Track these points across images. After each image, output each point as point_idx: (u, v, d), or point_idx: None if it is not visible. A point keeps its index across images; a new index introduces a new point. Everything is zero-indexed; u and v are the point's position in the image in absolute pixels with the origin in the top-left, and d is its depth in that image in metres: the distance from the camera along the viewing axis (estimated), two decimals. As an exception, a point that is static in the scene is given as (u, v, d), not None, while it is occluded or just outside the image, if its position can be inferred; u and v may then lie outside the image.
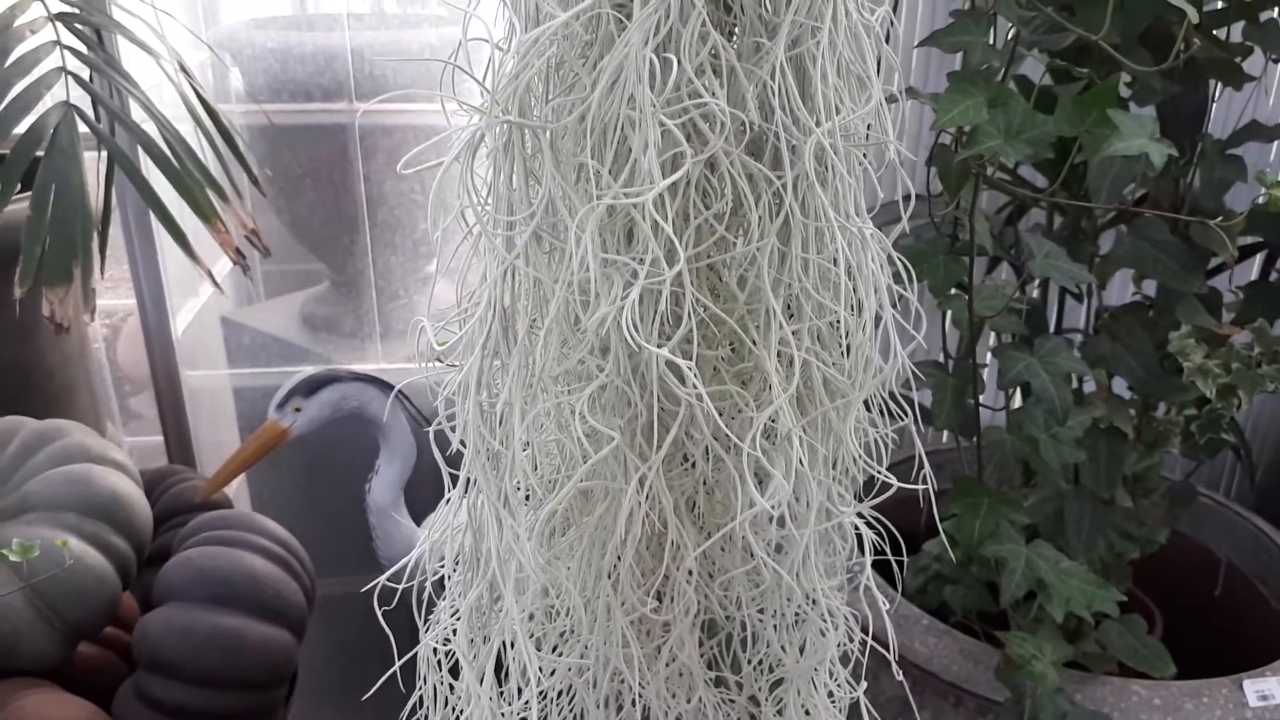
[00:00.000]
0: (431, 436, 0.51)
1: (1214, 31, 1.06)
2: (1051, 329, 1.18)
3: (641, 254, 0.44)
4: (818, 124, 0.45)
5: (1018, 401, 1.12)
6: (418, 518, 1.42)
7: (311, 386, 1.30)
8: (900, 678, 0.63)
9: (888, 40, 0.52)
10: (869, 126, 0.51)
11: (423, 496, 1.45)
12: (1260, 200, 0.90)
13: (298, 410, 1.30)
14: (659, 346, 0.44)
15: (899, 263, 0.54)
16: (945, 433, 1.22)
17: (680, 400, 0.48)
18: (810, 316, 0.49)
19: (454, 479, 0.52)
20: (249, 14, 1.62)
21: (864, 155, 0.51)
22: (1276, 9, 0.92)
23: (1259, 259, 1.27)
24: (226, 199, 1.28)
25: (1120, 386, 1.17)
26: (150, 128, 1.25)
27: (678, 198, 0.46)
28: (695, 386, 0.45)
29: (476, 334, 0.47)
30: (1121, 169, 0.89)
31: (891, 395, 0.58)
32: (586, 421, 0.46)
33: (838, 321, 0.50)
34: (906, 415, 0.58)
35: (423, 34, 1.49)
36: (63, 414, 1.37)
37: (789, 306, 0.50)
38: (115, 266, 1.53)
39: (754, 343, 0.49)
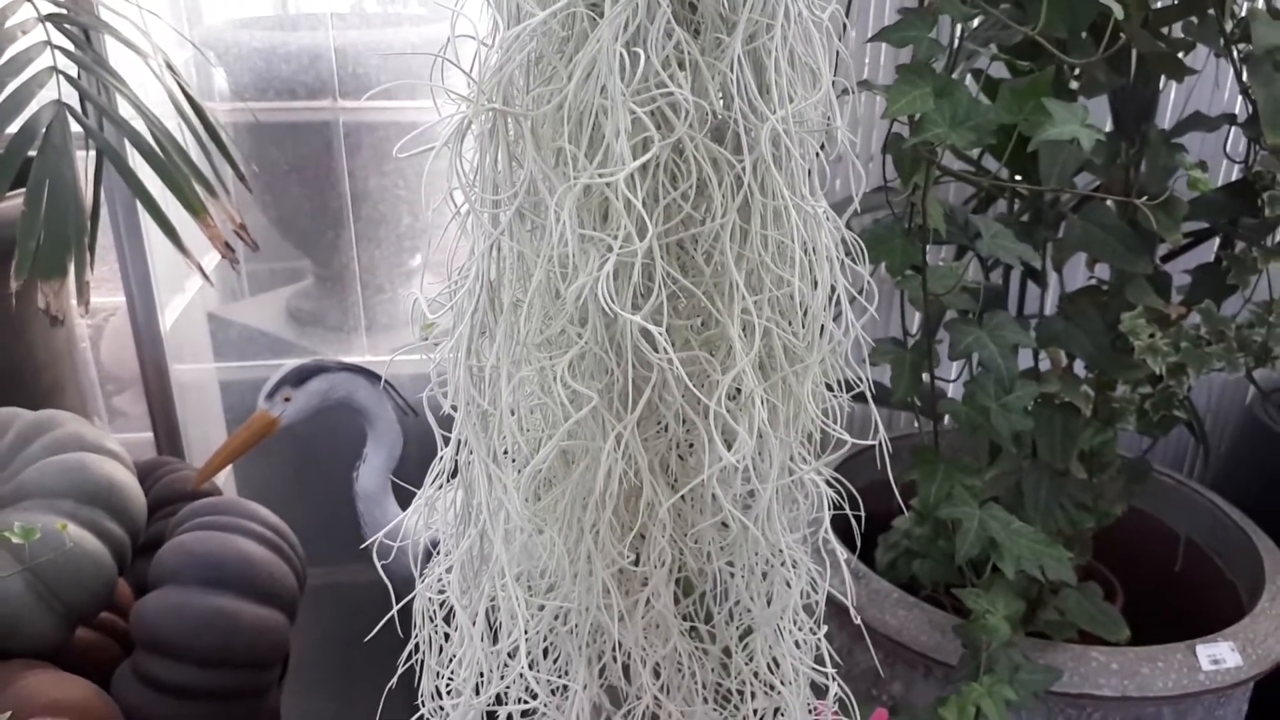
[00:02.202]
0: (424, 401, 0.55)
1: (1162, 27, 1.11)
2: (1012, 313, 1.23)
3: (615, 230, 0.48)
4: (773, 112, 0.50)
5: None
6: (404, 505, 1.45)
7: (300, 376, 1.34)
8: (859, 621, 0.67)
9: (841, 37, 0.56)
10: (826, 118, 0.56)
11: (409, 484, 1.49)
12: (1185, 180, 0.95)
13: (287, 400, 1.34)
14: (633, 315, 0.49)
15: (851, 242, 0.58)
16: (913, 420, 1.27)
17: (653, 365, 0.53)
18: (770, 288, 0.54)
19: (445, 440, 0.56)
20: (232, 14, 1.66)
21: (821, 143, 0.56)
22: (1213, 8, 0.98)
23: (1216, 244, 1.32)
24: (215, 194, 1.32)
25: (1081, 368, 1.22)
26: (139, 125, 1.29)
27: (647, 179, 0.50)
28: (666, 351, 0.49)
29: (466, 304, 0.51)
30: (1069, 156, 0.94)
31: (853, 380, 0.63)
32: (568, 386, 0.50)
33: (795, 293, 0.55)
34: (861, 385, 0.63)
35: (404, 32, 1.53)
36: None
37: (750, 279, 0.54)
38: (99, 265, 1.56)
39: (719, 312, 0.54)
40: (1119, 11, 0.70)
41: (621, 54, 0.46)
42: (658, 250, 0.50)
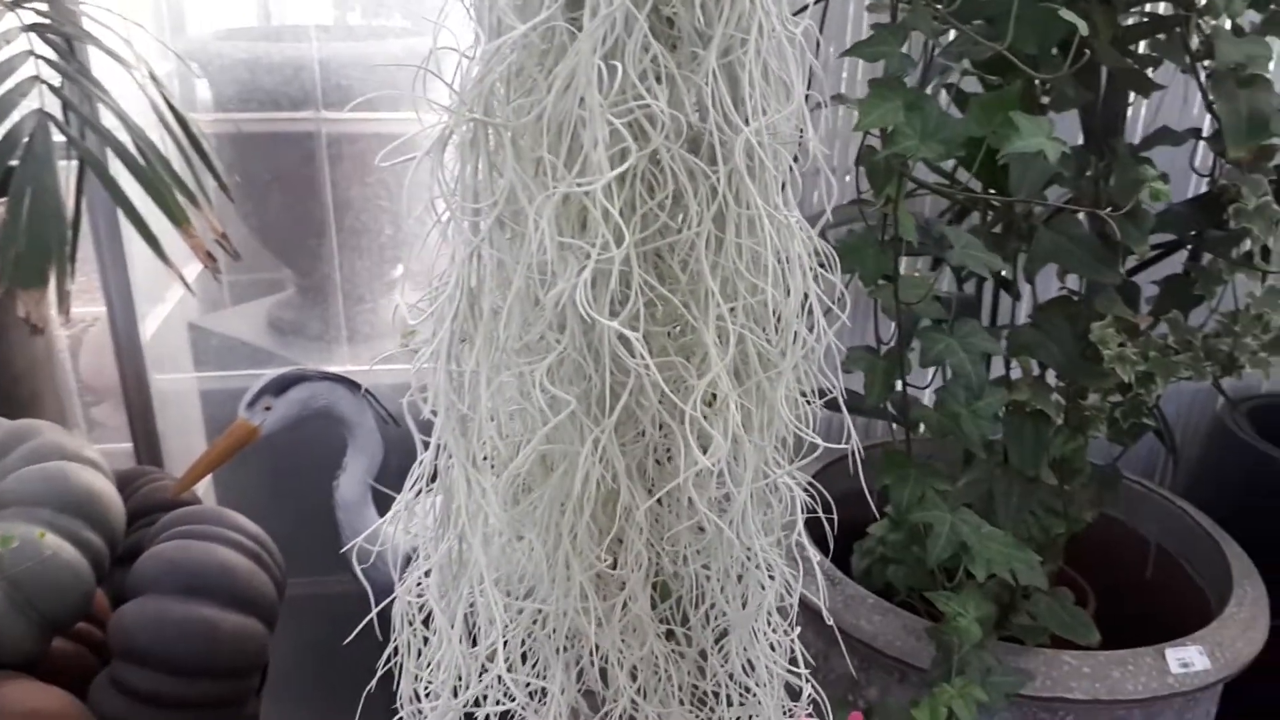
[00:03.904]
0: (405, 407, 0.56)
1: (1130, 45, 1.14)
2: (985, 322, 1.25)
3: (593, 239, 0.50)
4: (747, 124, 0.51)
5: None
6: (385, 513, 1.46)
7: (281, 385, 1.34)
8: (832, 622, 0.69)
9: (817, 52, 0.58)
10: (799, 130, 0.58)
11: (388, 494, 1.49)
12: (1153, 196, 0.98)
13: (268, 409, 1.34)
14: (610, 321, 0.50)
15: (823, 252, 0.60)
16: (889, 429, 1.28)
17: (630, 371, 0.54)
18: (744, 296, 0.55)
19: (426, 446, 0.57)
20: (216, 26, 1.67)
21: (795, 155, 0.57)
22: (1179, 26, 1.00)
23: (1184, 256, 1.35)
24: (197, 204, 1.33)
25: (1053, 377, 1.24)
26: (122, 135, 1.29)
27: (625, 189, 0.51)
28: (643, 357, 0.50)
29: (446, 310, 0.52)
30: (1038, 169, 0.97)
31: (826, 387, 0.64)
32: (547, 391, 0.52)
33: (769, 300, 0.56)
34: (834, 391, 0.64)
35: (388, 45, 1.54)
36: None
37: (725, 287, 0.56)
38: (77, 276, 1.56)
39: (694, 319, 0.55)
40: (1084, 28, 0.72)
41: (600, 67, 0.47)
42: (635, 258, 0.51)
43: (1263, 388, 2.00)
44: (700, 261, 0.54)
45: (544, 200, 0.48)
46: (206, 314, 1.80)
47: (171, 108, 1.39)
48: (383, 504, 1.44)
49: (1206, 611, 1.37)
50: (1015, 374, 1.17)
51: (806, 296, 0.57)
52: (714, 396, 0.57)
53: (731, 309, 0.55)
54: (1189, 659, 1.19)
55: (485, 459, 0.55)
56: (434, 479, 0.63)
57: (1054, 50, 0.95)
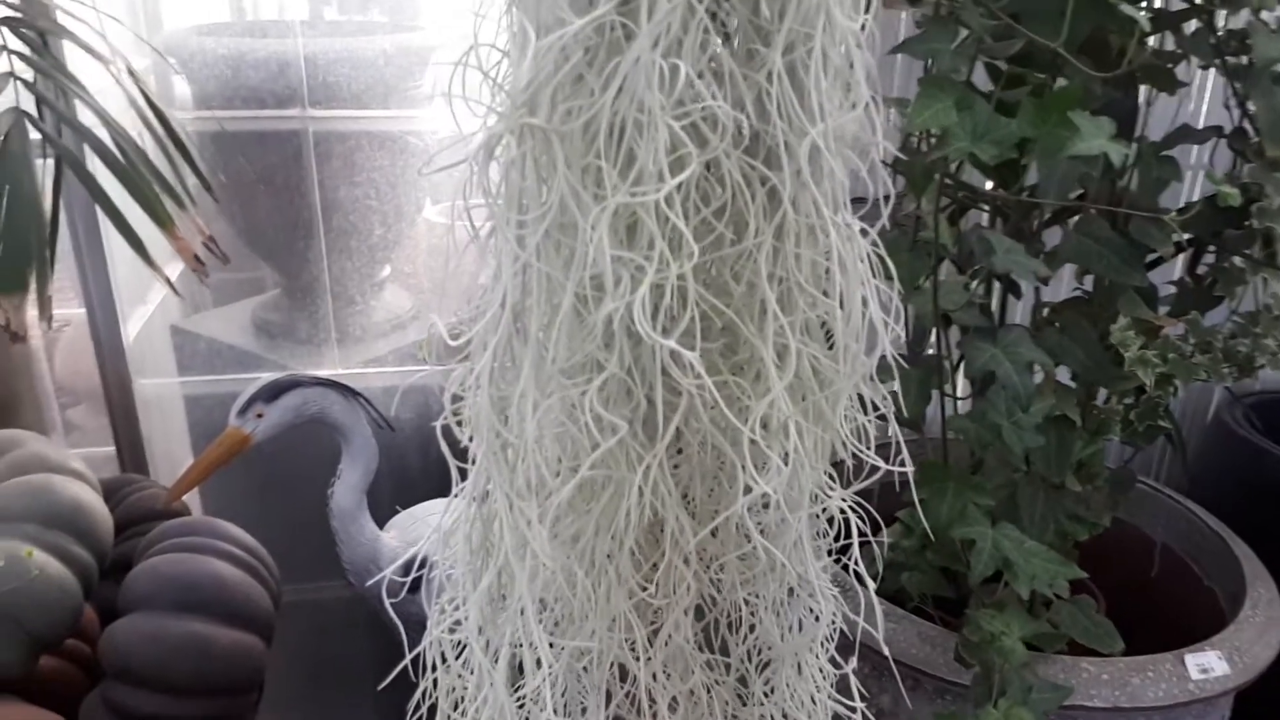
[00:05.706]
0: (438, 430, 0.52)
1: (1147, 39, 1.12)
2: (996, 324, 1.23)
3: (647, 250, 0.46)
4: (813, 125, 0.48)
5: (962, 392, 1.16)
6: (379, 522, 1.42)
7: (274, 392, 1.30)
8: (886, 652, 0.66)
9: (871, 50, 0.55)
10: (874, 130, 0.54)
11: (383, 501, 1.46)
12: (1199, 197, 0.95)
13: (260, 416, 1.30)
14: (665, 339, 0.46)
15: (873, 259, 0.57)
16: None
17: (679, 392, 0.51)
18: (803, 309, 0.52)
19: (462, 473, 0.54)
20: (194, 21, 1.61)
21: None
22: (1197, 20, 0.98)
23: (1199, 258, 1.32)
24: (182, 204, 1.28)
25: (1063, 377, 1.22)
26: (101, 133, 1.24)
27: (679, 197, 0.48)
28: (699, 376, 0.47)
29: (489, 331, 0.48)
30: (1068, 170, 0.94)
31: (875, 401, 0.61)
32: (597, 414, 0.48)
33: (825, 314, 0.53)
34: (884, 406, 0.61)
35: (377, 41, 1.50)
36: (7, 426, 1.35)
37: (781, 300, 0.52)
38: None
39: (751, 334, 0.52)
40: (1146, 24, 0.69)
41: (661, 65, 0.43)
42: (689, 271, 0.48)
43: (1255, 385, 2.00)
44: (758, 272, 0.50)
45: (600, 211, 0.44)
46: (188, 316, 1.75)
47: (151, 103, 1.33)
48: (376, 514, 1.40)
49: (1218, 612, 1.35)
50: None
51: (866, 307, 0.53)
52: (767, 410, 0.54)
53: (790, 323, 0.51)
54: (1209, 664, 1.17)
55: (529, 487, 0.51)
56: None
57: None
